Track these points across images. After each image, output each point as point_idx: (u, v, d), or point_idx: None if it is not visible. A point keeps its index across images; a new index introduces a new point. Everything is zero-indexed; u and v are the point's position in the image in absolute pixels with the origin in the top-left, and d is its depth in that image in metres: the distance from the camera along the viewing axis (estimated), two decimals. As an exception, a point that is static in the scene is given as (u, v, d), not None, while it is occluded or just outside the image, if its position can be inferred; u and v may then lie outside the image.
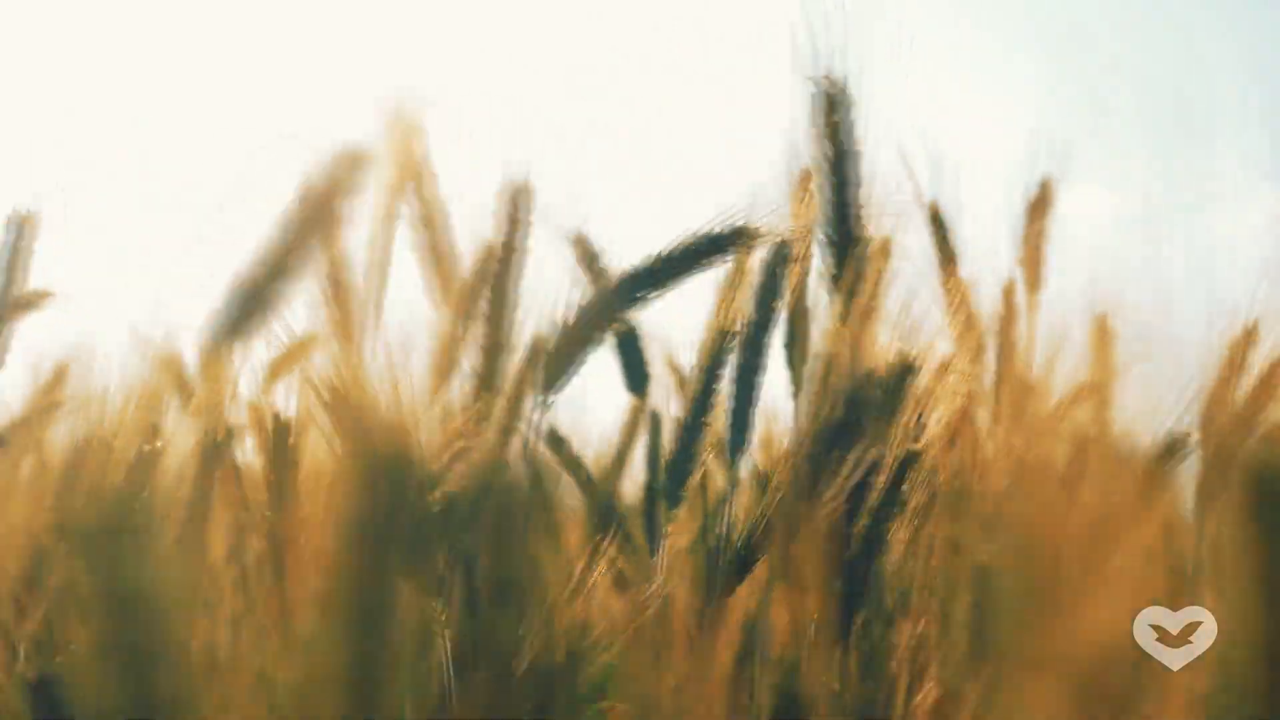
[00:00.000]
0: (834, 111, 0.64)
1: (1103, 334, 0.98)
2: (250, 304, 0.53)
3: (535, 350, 0.67)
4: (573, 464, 0.95)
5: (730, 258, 0.66)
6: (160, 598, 0.39)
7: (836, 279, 0.64)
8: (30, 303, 0.84)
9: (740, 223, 0.65)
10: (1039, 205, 1.01)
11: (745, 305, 0.65)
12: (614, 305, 0.63)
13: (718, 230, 0.65)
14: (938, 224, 0.94)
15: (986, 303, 0.95)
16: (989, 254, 0.99)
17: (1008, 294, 0.92)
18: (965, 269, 0.95)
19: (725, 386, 0.65)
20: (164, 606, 0.39)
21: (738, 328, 0.64)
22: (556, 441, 0.92)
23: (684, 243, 0.66)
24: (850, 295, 0.62)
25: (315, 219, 0.52)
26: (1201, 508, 0.84)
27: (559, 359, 0.64)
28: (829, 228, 0.65)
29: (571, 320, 0.64)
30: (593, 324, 0.63)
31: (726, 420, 0.63)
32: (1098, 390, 0.97)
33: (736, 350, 0.63)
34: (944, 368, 0.83)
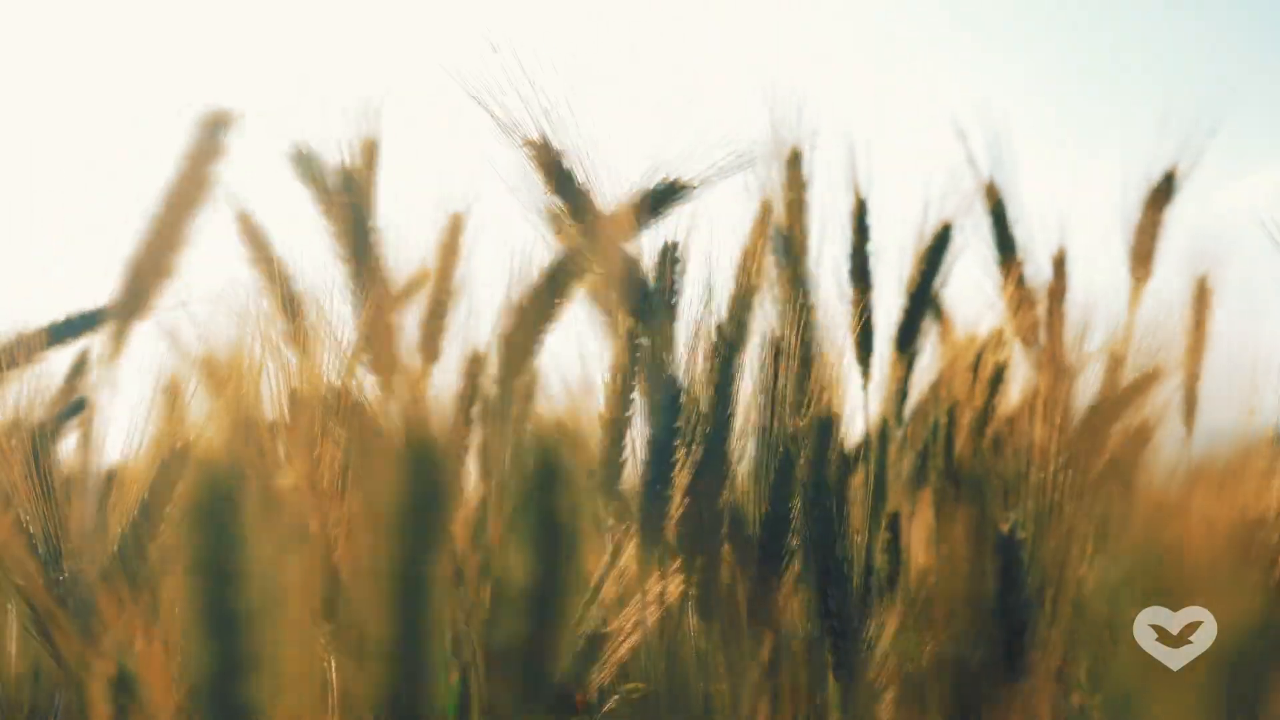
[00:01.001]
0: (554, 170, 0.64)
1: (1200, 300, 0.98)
2: (141, 280, 0.55)
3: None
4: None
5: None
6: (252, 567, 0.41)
7: None
8: None
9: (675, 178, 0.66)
10: (1158, 196, 1.00)
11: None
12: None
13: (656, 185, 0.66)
14: (996, 207, 0.95)
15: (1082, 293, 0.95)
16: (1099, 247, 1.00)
17: (1058, 266, 0.92)
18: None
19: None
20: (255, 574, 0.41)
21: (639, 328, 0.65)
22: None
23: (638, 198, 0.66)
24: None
25: (192, 186, 0.53)
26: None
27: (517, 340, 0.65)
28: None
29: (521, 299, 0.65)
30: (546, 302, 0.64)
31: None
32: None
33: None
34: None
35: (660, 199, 0.66)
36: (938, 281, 0.91)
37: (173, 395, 0.96)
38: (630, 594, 0.67)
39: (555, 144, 0.63)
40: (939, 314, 0.99)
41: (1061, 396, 0.70)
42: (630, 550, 0.68)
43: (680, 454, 0.63)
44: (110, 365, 0.66)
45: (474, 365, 0.80)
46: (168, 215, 0.57)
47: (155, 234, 0.59)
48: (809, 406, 0.68)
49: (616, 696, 0.70)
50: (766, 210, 0.82)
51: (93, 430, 0.83)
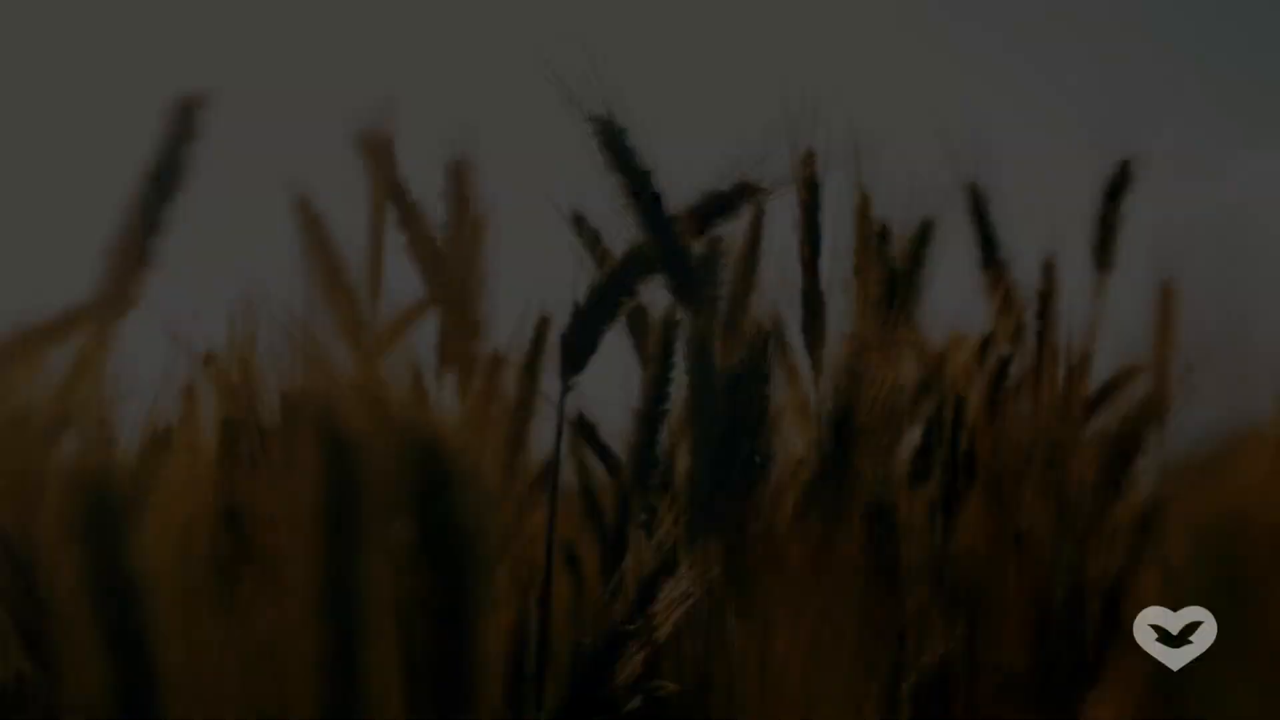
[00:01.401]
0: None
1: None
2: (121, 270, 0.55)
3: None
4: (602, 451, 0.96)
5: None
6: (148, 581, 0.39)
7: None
8: None
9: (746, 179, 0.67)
10: (1116, 187, 1.01)
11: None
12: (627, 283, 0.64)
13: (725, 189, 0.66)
14: (977, 206, 0.96)
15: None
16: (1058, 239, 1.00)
17: (1048, 270, 0.92)
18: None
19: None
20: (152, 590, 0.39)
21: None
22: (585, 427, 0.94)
23: (696, 202, 0.66)
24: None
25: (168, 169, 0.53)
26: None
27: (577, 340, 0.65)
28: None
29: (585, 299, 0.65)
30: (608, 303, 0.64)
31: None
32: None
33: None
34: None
35: (725, 201, 0.67)
36: (921, 277, 0.91)
37: (179, 395, 0.94)
38: (661, 588, 0.67)
39: (620, 122, 0.63)
40: (910, 315, 0.99)
41: (1076, 394, 0.71)
42: (648, 550, 0.67)
43: (732, 448, 0.63)
44: (97, 360, 0.65)
45: (494, 366, 0.79)
46: (144, 202, 0.56)
47: (133, 222, 0.58)
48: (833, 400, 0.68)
49: (641, 695, 0.70)
50: (758, 215, 0.82)
51: (92, 428, 0.81)
